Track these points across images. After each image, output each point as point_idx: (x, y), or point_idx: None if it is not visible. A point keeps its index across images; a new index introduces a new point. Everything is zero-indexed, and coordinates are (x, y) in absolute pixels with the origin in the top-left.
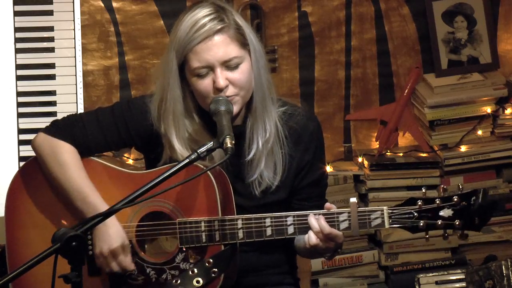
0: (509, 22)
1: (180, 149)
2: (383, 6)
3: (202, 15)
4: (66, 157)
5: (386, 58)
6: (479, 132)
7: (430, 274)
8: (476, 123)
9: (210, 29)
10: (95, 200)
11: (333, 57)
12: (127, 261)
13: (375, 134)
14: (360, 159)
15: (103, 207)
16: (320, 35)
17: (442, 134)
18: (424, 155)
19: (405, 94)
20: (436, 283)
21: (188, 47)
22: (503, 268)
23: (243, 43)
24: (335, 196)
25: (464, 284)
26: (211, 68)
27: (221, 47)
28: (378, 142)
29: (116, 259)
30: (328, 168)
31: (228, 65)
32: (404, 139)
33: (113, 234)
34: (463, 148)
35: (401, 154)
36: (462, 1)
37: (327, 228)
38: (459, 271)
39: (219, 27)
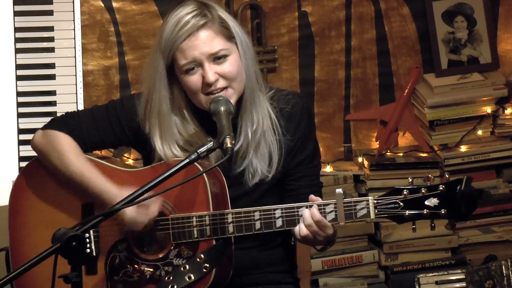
0: (509, 22)
1: (161, 149)
2: (383, 6)
3: (185, 13)
4: (63, 145)
5: (386, 58)
6: (479, 132)
7: (430, 274)
8: (476, 123)
9: (193, 25)
10: (98, 180)
11: (333, 57)
12: (149, 210)
13: (375, 134)
14: (360, 159)
15: (106, 184)
16: (320, 35)
17: (442, 134)
18: (424, 155)
19: (405, 94)
20: (436, 283)
21: (174, 46)
22: (503, 268)
23: (229, 36)
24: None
25: (464, 284)
26: (199, 64)
27: (206, 41)
28: (378, 142)
29: (146, 211)
30: (328, 168)
31: (216, 58)
32: (404, 139)
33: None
34: (463, 148)
35: (401, 154)
36: (462, 1)
37: (317, 215)
38: (459, 271)
39: (202, 22)
